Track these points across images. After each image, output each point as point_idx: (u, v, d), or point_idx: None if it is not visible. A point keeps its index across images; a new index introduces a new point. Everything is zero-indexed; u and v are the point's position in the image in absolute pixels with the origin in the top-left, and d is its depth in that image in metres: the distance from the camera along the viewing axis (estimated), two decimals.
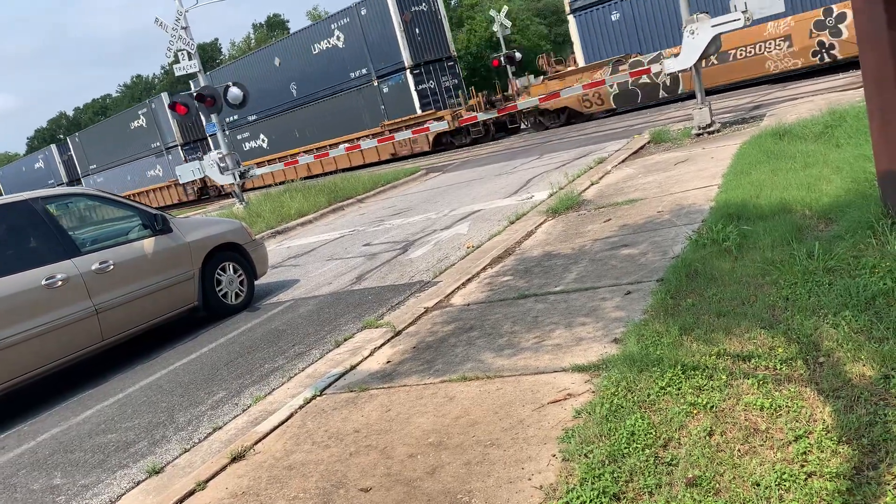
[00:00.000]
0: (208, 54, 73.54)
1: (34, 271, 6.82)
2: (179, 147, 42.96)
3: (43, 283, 6.80)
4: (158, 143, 44.28)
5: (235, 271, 8.69)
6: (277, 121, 38.32)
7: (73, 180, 54.07)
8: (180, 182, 25.04)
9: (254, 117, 39.13)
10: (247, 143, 40.36)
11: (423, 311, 6.30)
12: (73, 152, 53.59)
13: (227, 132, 36.74)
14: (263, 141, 39.47)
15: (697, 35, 11.94)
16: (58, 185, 51.89)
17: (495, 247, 8.24)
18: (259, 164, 31.44)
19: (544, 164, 15.51)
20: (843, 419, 3.01)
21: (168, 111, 39.20)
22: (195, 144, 43.21)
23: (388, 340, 5.74)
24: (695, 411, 3.36)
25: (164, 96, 41.18)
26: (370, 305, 7.38)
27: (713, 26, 11.88)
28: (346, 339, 6.23)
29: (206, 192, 40.47)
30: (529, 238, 8.30)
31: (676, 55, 12.74)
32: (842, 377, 3.33)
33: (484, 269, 7.37)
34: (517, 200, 11.58)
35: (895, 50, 4.61)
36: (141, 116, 45.20)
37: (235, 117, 39.31)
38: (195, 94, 17.11)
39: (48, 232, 7.18)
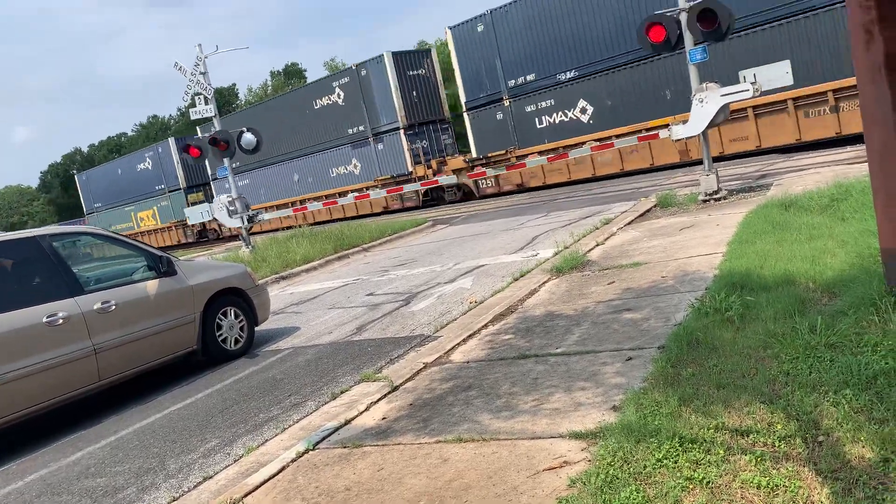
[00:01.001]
0: (225, 98, 74.79)
1: (36, 308, 6.84)
2: (402, 131, 29.10)
3: (44, 320, 6.81)
4: (363, 127, 30.64)
5: (237, 317, 8.68)
6: (625, 75, 23.07)
7: (195, 186, 40.68)
8: (189, 223, 24.19)
9: (571, 73, 24.53)
10: (543, 118, 25.44)
11: (422, 366, 6.26)
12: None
13: (510, 103, 25.82)
14: (584, 111, 24.38)
15: (707, 104, 12.11)
16: (169, 192, 41.44)
17: (498, 303, 8.23)
18: (567, 148, 22.17)
19: (550, 222, 15.59)
20: (841, 502, 2.96)
21: (392, 81, 28.29)
22: (422, 128, 29.79)
23: (385, 395, 5.69)
24: (691, 486, 3.31)
25: (387, 56, 28.91)
26: (369, 357, 7.34)
27: (722, 96, 12.06)
28: (342, 392, 6.19)
29: (440, 197, 28.24)
30: (532, 296, 8.29)
31: (685, 122, 12.91)
32: (841, 458, 3.28)
33: (485, 325, 7.34)
34: (522, 257, 11.60)
35: None
36: (337, 90, 31.43)
37: (532, 76, 25.48)
38: (209, 137, 17.37)
39: (53, 269, 7.22)
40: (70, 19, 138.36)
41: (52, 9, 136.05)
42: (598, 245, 10.83)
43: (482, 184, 26.96)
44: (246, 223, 18.03)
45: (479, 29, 26.50)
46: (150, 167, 43.28)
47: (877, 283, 5.21)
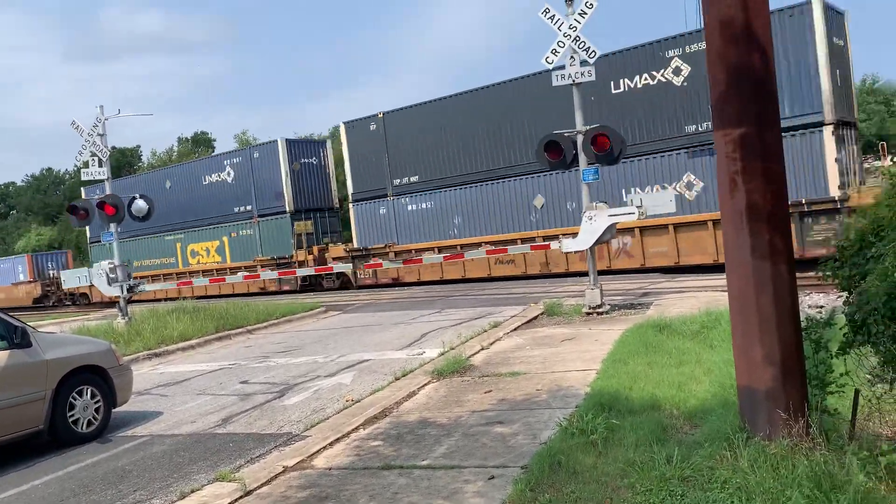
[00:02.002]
0: (127, 159, 72.38)
1: None
2: (827, 129, 17.79)
3: None
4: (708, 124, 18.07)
5: (93, 397, 8.10)
6: None
7: (308, 210, 29.34)
8: (64, 287, 22.29)
9: None
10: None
11: (282, 469, 5.97)
12: (327, 162, 28.90)
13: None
14: None
15: (595, 221, 12.66)
16: (261, 216, 29.39)
17: (374, 404, 8.05)
18: None
19: (442, 320, 15.62)
20: None
21: (821, 45, 17.26)
22: (845, 129, 18.59)
23: (236, 500, 5.36)
24: None
25: (816, 4, 17.72)
26: (229, 454, 6.94)
27: (609, 216, 12.66)
28: (192, 492, 5.78)
29: None
30: (410, 399, 8.17)
31: (575, 235, 13.41)
32: None
33: (356, 428, 7.13)
34: (407, 354, 11.49)
35: (757, 277, 4.94)
36: (675, 64, 19.69)
37: None
38: (97, 200, 16.69)
39: None
40: None
41: None
42: (482, 349, 10.89)
43: None
44: (125, 293, 17.17)
45: None
46: (229, 179, 29.90)
47: (732, 417, 5.39)
